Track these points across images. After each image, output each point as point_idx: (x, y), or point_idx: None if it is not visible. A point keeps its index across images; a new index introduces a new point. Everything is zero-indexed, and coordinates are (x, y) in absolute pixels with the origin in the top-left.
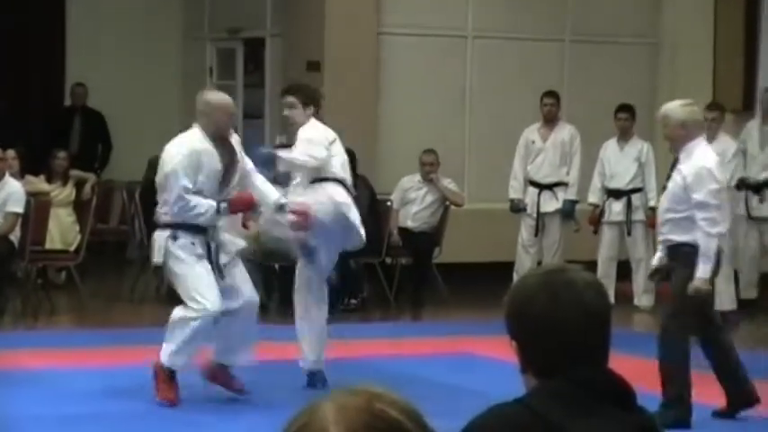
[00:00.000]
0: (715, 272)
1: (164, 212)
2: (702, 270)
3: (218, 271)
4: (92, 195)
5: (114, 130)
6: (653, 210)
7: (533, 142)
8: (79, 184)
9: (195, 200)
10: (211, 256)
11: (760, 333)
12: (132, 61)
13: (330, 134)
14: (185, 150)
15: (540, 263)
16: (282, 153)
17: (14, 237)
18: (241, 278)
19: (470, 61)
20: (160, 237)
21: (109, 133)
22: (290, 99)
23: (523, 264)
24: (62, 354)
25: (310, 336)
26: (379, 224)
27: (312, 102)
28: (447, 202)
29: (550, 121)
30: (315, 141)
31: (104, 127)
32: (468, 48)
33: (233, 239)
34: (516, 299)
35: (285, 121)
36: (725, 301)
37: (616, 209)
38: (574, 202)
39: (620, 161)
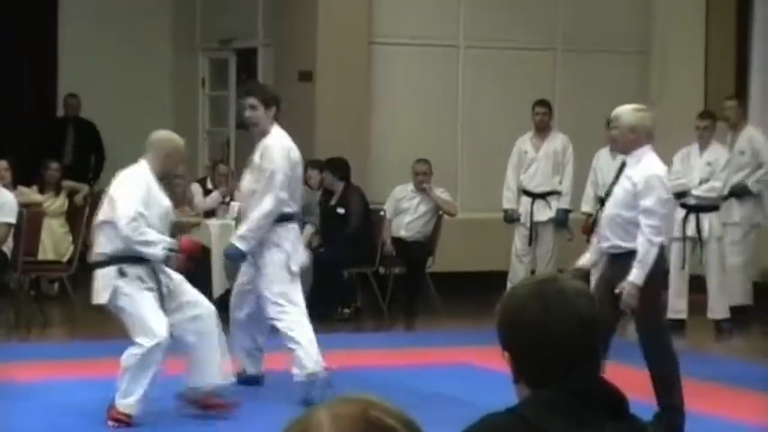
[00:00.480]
0: (657, 281)
1: (102, 247)
2: (635, 275)
3: (162, 300)
4: (85, 206)
5: (107, 141)
6: None
7: (526, 152)
8: (72, 195)
9: (147, 229)
10: (160, 287)
11: (752, 344)
12: (125, 72)
13: (291, 146)
14: (142, 180)
15: (533, 272)
16: (246, 231)
17: (7, 248)
18: (192, 292)
19: (462, 71)
20: (105, 275)
21: (102, 144)
22: (251, 100)
23: (517, 273)
24: (55, 366)
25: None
26: (372, 234)
27: (274, 102)
28: (440, 212)
29: (543, 130)
30: (278, 172)
31: (97, 137)
32: (460, 57)
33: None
34: (508, 308)
35: (247, 122)
36: (717, 309)
37: None
38: (567, 212)
39: (613, 170)
